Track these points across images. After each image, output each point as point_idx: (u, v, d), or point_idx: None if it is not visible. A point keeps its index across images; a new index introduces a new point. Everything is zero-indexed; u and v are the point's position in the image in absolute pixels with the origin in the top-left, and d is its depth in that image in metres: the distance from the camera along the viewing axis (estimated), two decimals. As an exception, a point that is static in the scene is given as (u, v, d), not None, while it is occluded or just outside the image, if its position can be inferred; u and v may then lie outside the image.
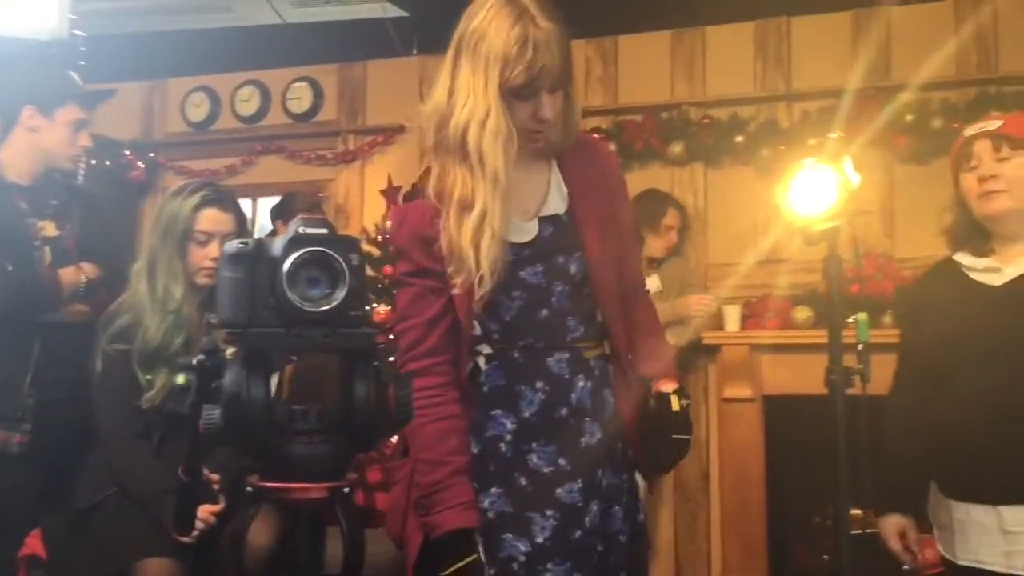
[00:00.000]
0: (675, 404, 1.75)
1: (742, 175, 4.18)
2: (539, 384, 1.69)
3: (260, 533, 1.91)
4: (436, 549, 1.58)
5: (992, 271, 1.96)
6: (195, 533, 2.08)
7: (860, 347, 1.65)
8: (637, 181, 4.19)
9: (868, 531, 3.74)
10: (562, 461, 1.69)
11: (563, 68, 1.60)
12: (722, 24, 4.24)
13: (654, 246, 3.89)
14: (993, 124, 1.96)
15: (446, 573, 1.53)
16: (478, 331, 1.69)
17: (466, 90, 1.58)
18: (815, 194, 1.74)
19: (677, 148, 4.17)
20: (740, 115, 4.13)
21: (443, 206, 1.62)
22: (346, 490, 1.14)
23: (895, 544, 2.05)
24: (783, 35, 4.17)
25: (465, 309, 1.63)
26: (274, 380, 1.21)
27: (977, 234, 2.00)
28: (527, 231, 1.69)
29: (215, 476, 2.21)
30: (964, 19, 3.95)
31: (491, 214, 1.59)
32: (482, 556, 1.59)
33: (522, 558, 1.65)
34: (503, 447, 1.69)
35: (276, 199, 4.40)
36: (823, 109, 4.02)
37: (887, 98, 3.93)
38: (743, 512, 3.95)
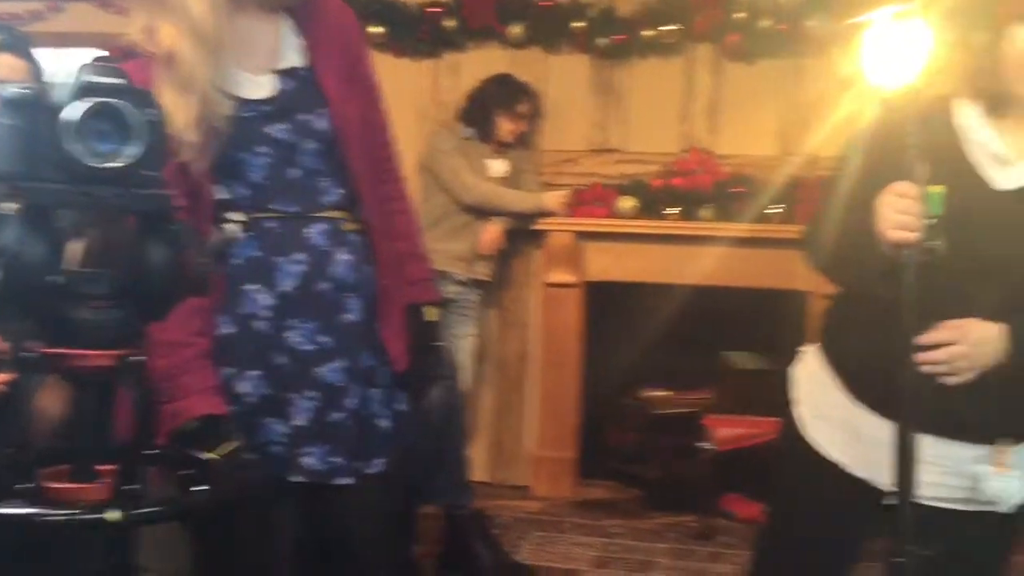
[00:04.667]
0: (430, 315, 1.79)
1: (579, 62, 4.17)
2: (298, 256, 1.62)
3: (49, 401, 1.81)
4: (182, 438, 1.48)
5: (1001, 163, 1.53)
6: None
7: (933, 221, 1.39)
8: (474, 62, 4.12)
9: (672, 411, 4.00)
10: (323, 338, 1.64)
11: None
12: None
13: (506, 130, 3.88)
14: None
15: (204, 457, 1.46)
16: (225, 194, 1.61)
17: None
18: (896, 54, 1.38)
19: (516, 29, 4.11)
20: (581, 0, 4.09)
21: (155, 61, 1.53)
22: (135, 359, 1.08)
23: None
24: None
25: (198, 170, 1.54)
26: (73, 244, 1.12)
27: (999, 100, 1.52)
28: (262, 85, 1.61)
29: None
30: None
31: (197, 65, 1.51)
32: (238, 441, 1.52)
33: (282, 440, 1.61)
34: (260, 325, 1.61)
35: (86, 50, 4.06)
36: (662, 1, 4.03)
37: (723, -5, 3.98)
38: (559, 392, 4.10)
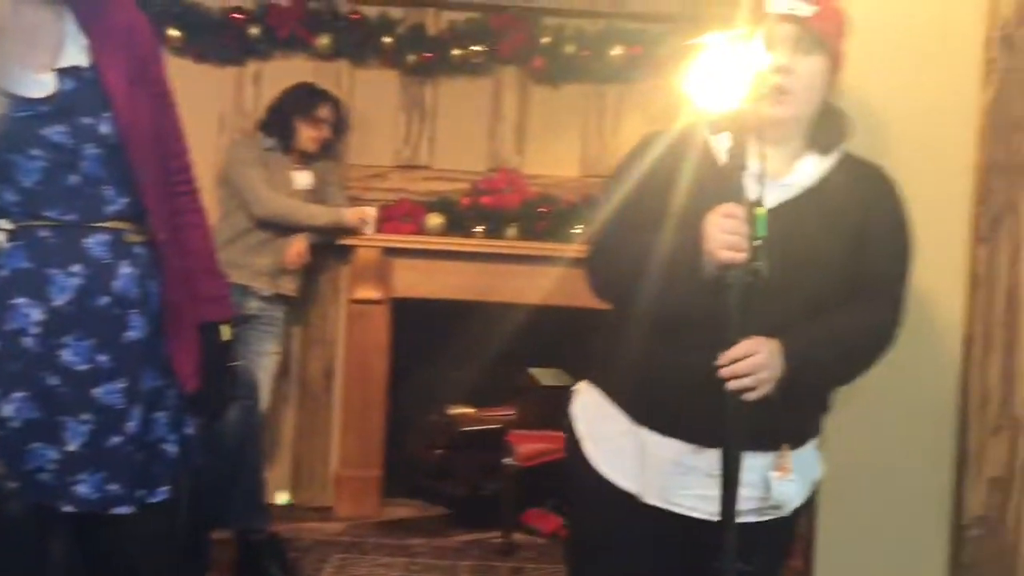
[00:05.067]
0: (225, 333, 1.73)
1: (388, 77, 4.15)
2: (75, 268, 1.53)
3: None
4: None
5: (759, 182, 1.53)
6: None
7: (757, 243, 1.40)
8: (279, 71, 4.02)
9: (477, 428, 4.03)
10: (101, 357, 1.55)
11: None
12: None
13: (306, 137, 3.77)
14: (807, 9, 1.56)
15: None
16: None
17: None
18: (723, 75, 1.41)
19: (324, 41, 4.04)
20: (390, 15, 4.08)
21: None
22: None
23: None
24: (437, -61, 4.15)
25: None
26: None
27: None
28: (41, 84, 1.52)
29: None
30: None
31: None
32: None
33: (52, 467, 1.51)
34: (29, 342, 1.51)
35: None
36: (469, 21, 4.08)
37: (531, 19, 4.08)
38: (364, 410, 4.03)
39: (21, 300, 1.51)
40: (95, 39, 1.58)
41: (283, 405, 4.08)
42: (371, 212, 3.90)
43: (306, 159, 3.83)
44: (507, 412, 4.02)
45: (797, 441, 1.64)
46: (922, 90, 2.10)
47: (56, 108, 1.52)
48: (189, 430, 1.69)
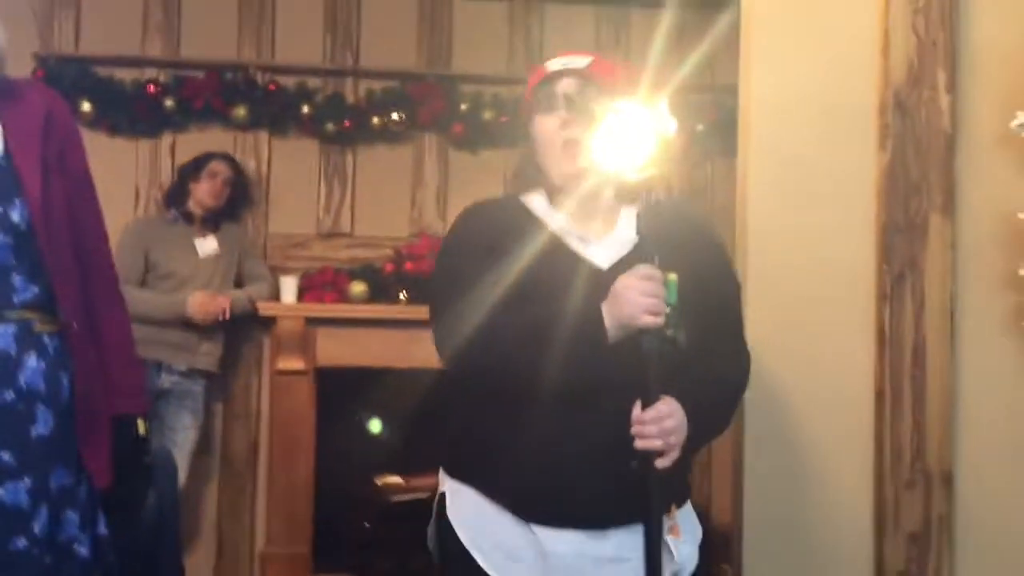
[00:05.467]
0: (142, 428, 1.68)
1: (307, 146, 4.14)
2: None
3: None
4: None
5: (584, 243, 1.57)
6: None
7: (668, 310, 1.39)
8: (196, 142, 3.98)
9: (406, 498, 3.96)
10: (5, 456, 1.49)
11: None
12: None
13: (202, 192, 3.73)
14: (581, 61, 1.59)
15: None
16: None
17: None
18: (629, 141, 1.40)
19: (241, 111, 4.02)
20: (308, 85, 4.09)
21: None
22: None
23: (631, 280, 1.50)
24: (352, 8, 4.18)
25: None
26: None
27: (548, 184, 1.62)
28: None
29: None
30: (518, 22, 4.26)
31: None
32: None
33: None
34: None
35: None
36: (387, 90, 4.10)
37: (449, 87, 4.13)
38: (291, 485, 3.94)
39: None
40: (8, 125, 1.55)
41: (205, 483, 3.96)
42: (222, 302, 3.63)
43: (209, 225, 3.78)
44: (434, 480, 3.96)
45: (680, 500, 1.58)
46: (823, 154, 2.17)
47: None
48: (102, 529, 1.62)
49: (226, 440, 4.02)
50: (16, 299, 1.52)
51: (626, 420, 1.43)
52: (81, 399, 1.58)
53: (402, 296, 4.00)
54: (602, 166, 1.45)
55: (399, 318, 3.95)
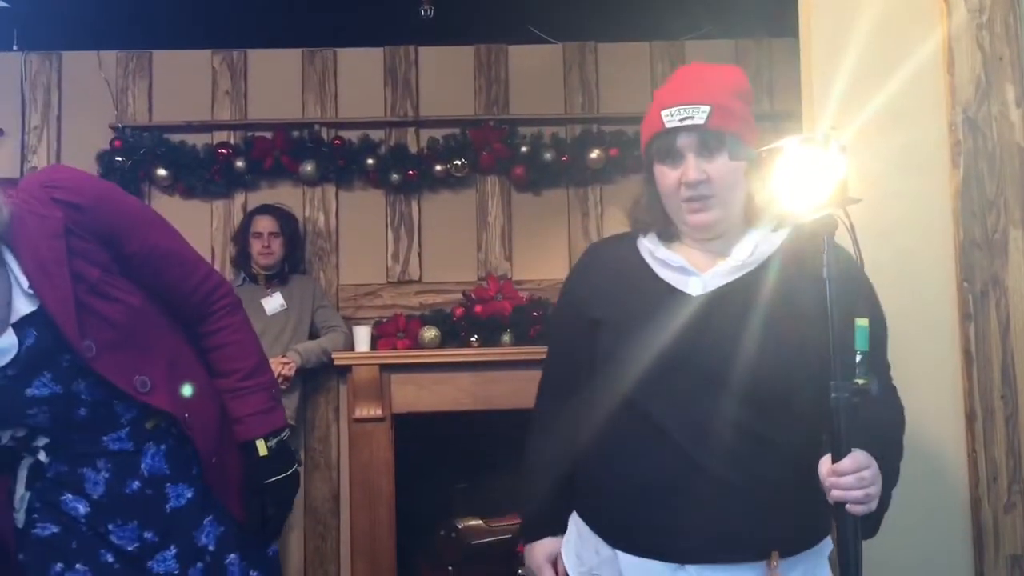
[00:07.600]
0: (261, 449, 1.68)
1: (373, 197, 4.23)
2: (100, 463, 1.58)
3: None
4: None
5: (685, 273, 1.60)
6: None
7: (859, 357, 1.34)
8: (268, 200, 4.09)
9: (486, 540, 3.96)
10: (148, 535, 1.59)
11: None
12: (353, 47, 4.27)
13: (256, 253, 3.83)
14: (699, 115, 1.52)
15: None
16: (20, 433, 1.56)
17: None
18: (805, 180, 1.36)
19: (308, 168, 4.13)
20: (371, 137, 4.18)
21: None
22: None
23: (547, 573, 1.70)
24: (411, 62, 4.28)
25: None
26: None
27: (667, 222, 1.64)
28: (5, 349, 1.45)
29: None
30: (571, 63, 4.32)
31: None
32: None
33: None
34: (82, 527, 1.57)
35: None
36: (448, 137, 4.18)
37: (508, 130, 4.19)
38: (373, 531, 3.98)
39: (68, 495, 1.57)
40: (32, 273, 1.45)
41: (289, 534, 4.02)
42: (281, 368, 3.65)
43: (274, 282, 3.87)
44: (516, 521, 3.96)
45: (787, 547, 1.53)
46: (895, 176, 2.15)
47: (26, 367, 1.47)
48: (271, 552, 1.73)
49: (307, 489, 4.08)
50: (120, 420, 1.58)
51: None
52: (207, 467, 1.63)
53: (473, 339, 4.03)
54: (777, 207, 1.42)
55: (471, 360, 3.98)
